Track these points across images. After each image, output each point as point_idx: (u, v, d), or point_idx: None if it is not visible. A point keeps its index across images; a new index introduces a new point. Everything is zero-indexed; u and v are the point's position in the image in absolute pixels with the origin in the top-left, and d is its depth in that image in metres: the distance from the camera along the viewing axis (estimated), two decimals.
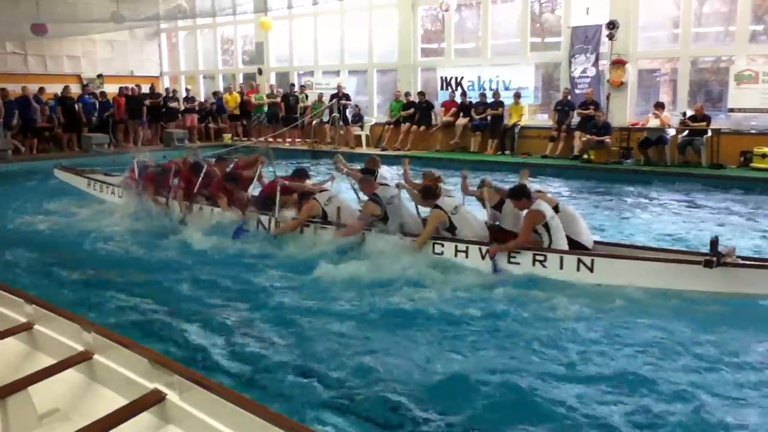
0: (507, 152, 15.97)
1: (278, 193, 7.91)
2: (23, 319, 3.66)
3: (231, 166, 9.22)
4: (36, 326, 3.57)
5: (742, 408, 3.92)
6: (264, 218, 8.02)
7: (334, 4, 19.56)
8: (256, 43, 22.38)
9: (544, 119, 16.91)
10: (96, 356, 3.07)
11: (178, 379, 2.60)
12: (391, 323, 5.26)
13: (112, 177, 10.84)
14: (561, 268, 5.96)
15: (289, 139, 19.57)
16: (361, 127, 18.82)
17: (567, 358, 4.54)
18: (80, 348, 3.18)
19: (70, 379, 3.08)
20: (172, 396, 2.62)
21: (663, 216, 9.76)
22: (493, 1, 17.28)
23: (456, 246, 6.50)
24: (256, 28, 21.37)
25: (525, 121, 16.40)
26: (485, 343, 4.85)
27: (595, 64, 15.37)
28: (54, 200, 10.80)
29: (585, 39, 15.38)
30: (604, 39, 14.94)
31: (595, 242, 6.52)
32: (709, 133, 13.26)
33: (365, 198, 7.45)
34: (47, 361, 3.26)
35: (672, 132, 13.78)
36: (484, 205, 7.01)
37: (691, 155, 13.46)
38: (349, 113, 18.95)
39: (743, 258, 5.60)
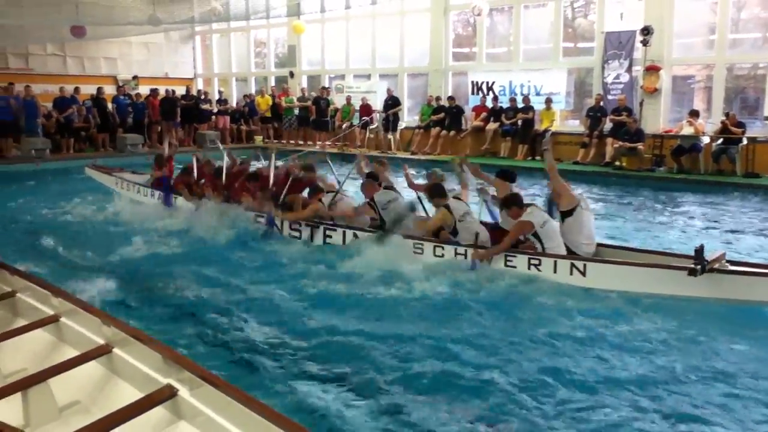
0: (537, 158, 15.84)
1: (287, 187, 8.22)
2: (51, 312, 3.77)
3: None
4: (62, 319, 3.67)
5: (716, 411, 3.94)
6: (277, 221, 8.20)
7: (366, 8, 19.64)
8: (288, 46, 22.58)
9: (576, 125, 16.75)
10: (115, 350, 3.14)
11: (188, 376, 2.64)
12: (395, 323, 5.33)
13: (139, 176, 11.15)
14: (555, 271, 6.09)
15: (319, 142, 19.69)
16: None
17: (553, 360, 4.62)
18: (101, 341, 3.26)
19: (91, 372, 3.16)
20: (183, 392, 2.67)
21: (694, 225, 9.59)
22: (525, 5, 17.18)
23: (455, 249, 6.61)
24: (289, 31, 21.58)
25: (556, 126, 16.26)
26: (478, 341, 4.94)
27: (629, 70, 15.17)
28: (85, 197, 11.05)
29: (618, 44, 15.20)
30: (638, 45, 14.74)
31: (598, 244, 6.55)
32: (745, 141, 12.99)
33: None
34: (71, 353, 3.35)
35: (706, 140, 13.54)
36: (489, 208, 7.19)
37: (726, 164, 13.21)
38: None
39: (734, 263, 5.61)
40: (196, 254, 7.57)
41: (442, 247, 6.68)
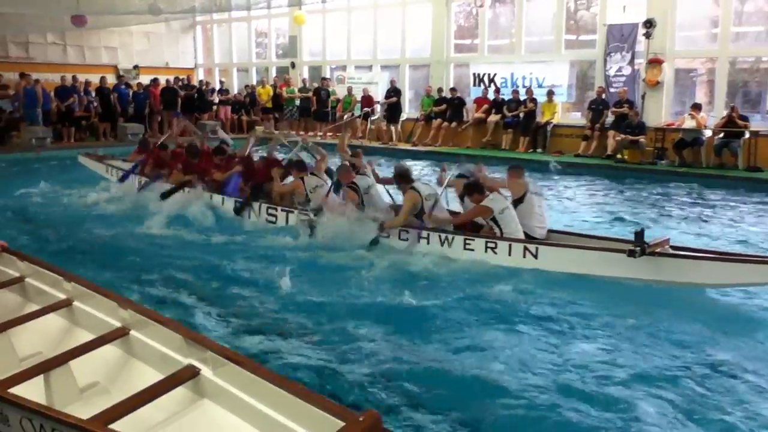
0: (539, 150, 15.86)
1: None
2: (63, 296, 3.78)
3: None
4: (75, 303, 3.68)
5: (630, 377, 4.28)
6: (255, 205, 8.54)
7: None
8: (289, 36, 22.51)
9: (578, 118, 16.75)
10: (132, 332, 3.15)
11: (211, 355, 2.66)
12: (365, 303, 5.59)
13: (129, 164, 11.34)
14: (510, 254, 6.48)
15: (320, 133, 19.66)
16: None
17: (503, 335, 4.99)
18: (117, 324, 3.27)
19: (108, 354, 3.18)
20: (205, 371, 2.68)
21: (693, 218, 9.61)
22: None
23: (419, 233, 7.00)
24: (290, 21, 21.51)
25: (558, 119, 16.25)
26: (434, 319, 5.28)
27: (631, 62, 15.15)
28: (83, 185, 11.13)
29: (621, 37, 15.18)
30: (641, 37, 14.72)
31: (549, 230, 6.94)
32: (747, 135, 13.01)
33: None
34: (86, 337, 3.37)
35: (708, 133, 13.55)
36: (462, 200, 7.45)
37: (728, 157, 13.22)
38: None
39: (677, 249, 6.01)
40: (173, 238, 7.82)
41: (407, 231, 7.08)
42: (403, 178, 7.40)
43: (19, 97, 16.87)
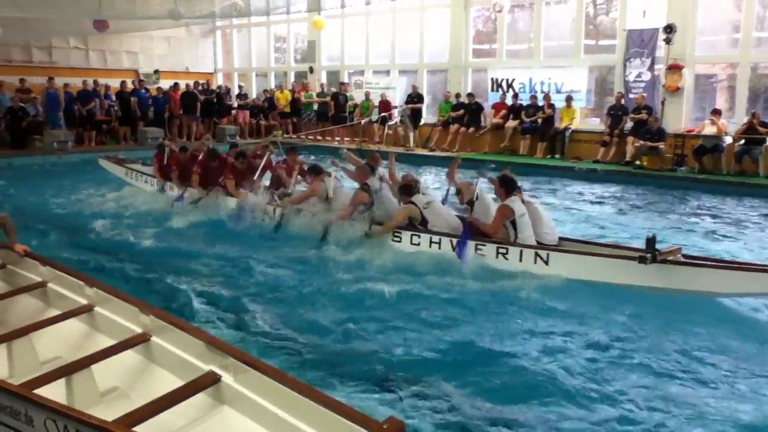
0: (557, 156, 15.78)
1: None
2: (84, 301, 3.82)
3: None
4: (96, 308, 3.72)
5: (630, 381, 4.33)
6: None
7: (386, 3, 19.61)
8: (308, 41, 22.63)
9: (596, 123, 16.64)
10: (153, 338, 3.18)
11: (232, 362, 2.68)
12: (377, 306, 5.69)
13: (148, 167, 11.48)
14: (521, 260, 6.45)
15: (338, 138, 19.74)
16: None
17: (515, 338, 5.08)
18: (138, 330, 3.30)
19: (129, 360, 3.21)
20: (226, 378, 2.70)
21: (713, 226, 9.51)
22: (546, 2, 17.08)
23: (431, 238, 7.00)
24: (309, 26, 21.60)
25: (576, 124, 16.17)
26: (451, 322, 5.38)
27: (651, 68, 15.03)
28: (105, 188, 11.37)
29: (641, 42, 15.07)
30: (661, 43, 14.61)
31: (560, 238, 6.88)
32: None
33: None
34: (107, 342, 3.40)
35: (729, 140, 13.40)
36: (461, 201, 7.48)
37: (748, 164, 13.07)
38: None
39: (689, 258, 5.95)
40: (195, 242, 7.92)
41: (419, 236, 7.08)
42: (403, 192, 7.46)
43: (42, 101, 17.14)
